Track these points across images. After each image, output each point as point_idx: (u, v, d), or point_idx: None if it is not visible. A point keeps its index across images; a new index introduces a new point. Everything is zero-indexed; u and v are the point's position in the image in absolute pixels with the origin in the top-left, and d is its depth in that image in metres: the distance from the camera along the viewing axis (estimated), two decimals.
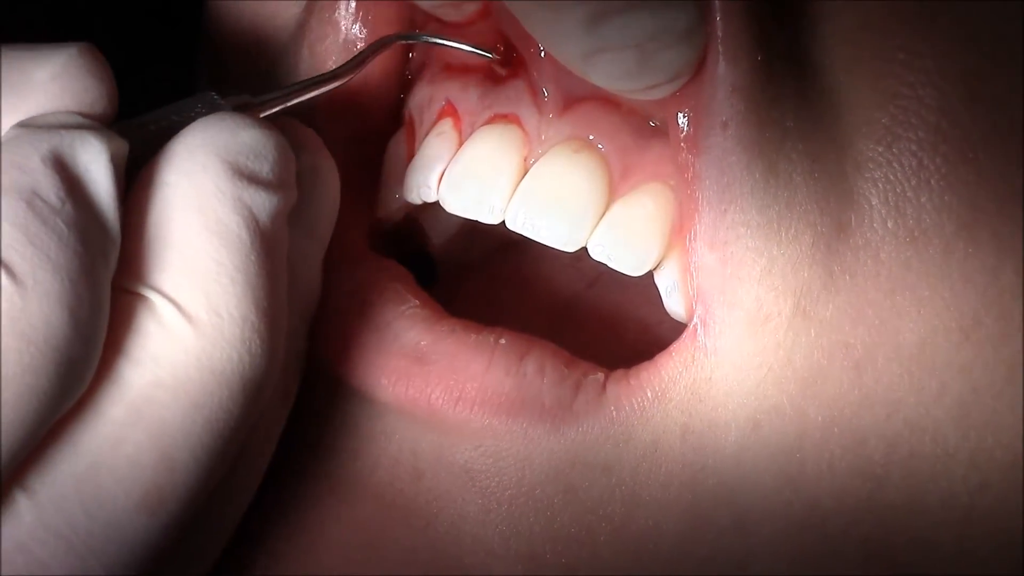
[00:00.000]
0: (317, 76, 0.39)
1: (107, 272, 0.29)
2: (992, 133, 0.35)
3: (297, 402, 0.39)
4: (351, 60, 0.40)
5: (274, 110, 0.36)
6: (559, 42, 0.33)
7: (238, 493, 0.35)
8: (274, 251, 0.32)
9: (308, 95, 0.38)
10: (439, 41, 0.41)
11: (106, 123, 0.31)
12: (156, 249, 0.30)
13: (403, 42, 0.42)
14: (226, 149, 0.31)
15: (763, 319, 0.35)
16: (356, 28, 0.41)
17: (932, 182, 0.35)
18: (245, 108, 0.35)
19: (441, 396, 0.36)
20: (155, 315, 0.30)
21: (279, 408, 0.36)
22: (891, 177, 0.35)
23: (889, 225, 0.35)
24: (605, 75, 0.33)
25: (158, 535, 0.30)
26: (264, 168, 0.32)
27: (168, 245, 0.30)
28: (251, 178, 0.32)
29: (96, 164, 0.29)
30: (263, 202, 0.31)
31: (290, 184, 0.33)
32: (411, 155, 0.42)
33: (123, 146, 0.31)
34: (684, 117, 0.35)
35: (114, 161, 0.30)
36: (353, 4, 0.41)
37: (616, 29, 0.31)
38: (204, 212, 0.31)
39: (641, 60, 0.32)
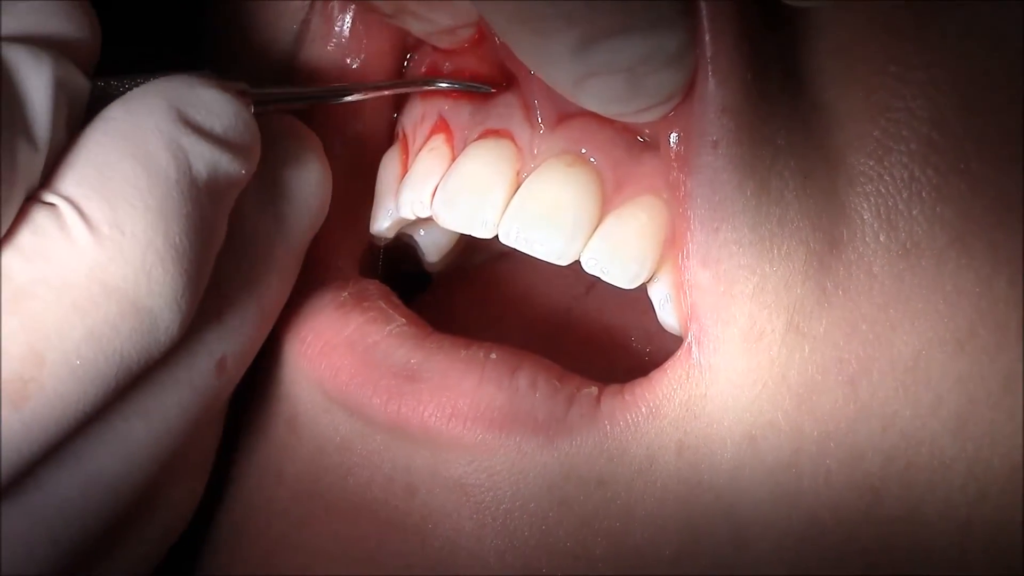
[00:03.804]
0: (319, 89, 0.40)
1: (16, 177, 0.30)
2: (986, 143, 0.35)
3: (289, 423, 0.39)
4: (355, 85, 0.41)
5: (267, 107, 0.37)
6: (549, 68, 0.32)
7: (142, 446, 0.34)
8: (206, 202, 0.32)
9: (303, 102, 0.39)
10: (438, 86, 0.41)
11: (83, 65, 0.33)
12: (80, 167, 0.31)
13: (397, 87, 0.43)
14: (178, 98, 0.33)
15: (757, 336, 0.35)
16: (350, 58, 0.42)
17: (924, 194, 0.35)
18: (240, 95, 0.35)
19: (434, 413, 0.36)
20: (58, 219, 0.30)
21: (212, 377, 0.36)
22: (883, 190, 0.34)
23: (881, 239, 0.35)
24: (596, 99, 0.33)
25: (20, 432, 0.30)
26: (215, 124, 0.33)
27: (91, 164, 0.31)
28: (196, 128, 0.32)
29: (37, 77, 0.30)
30: (203, 152, 0.32)
31: (246, 152, 0.34)
32: (404, 171, 0.42)
33: (80, 78, 0.32)
34: (675, 136, 0.35)
35: (61, 84, 0.31)
36: (348, 29, 0.41)
37: (606, 54, 0.31)
38: (135, 143, 0.31)
39: (632, 84, 0.32)
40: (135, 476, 0.33)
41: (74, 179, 0.31)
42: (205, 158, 0.32)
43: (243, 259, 0.36)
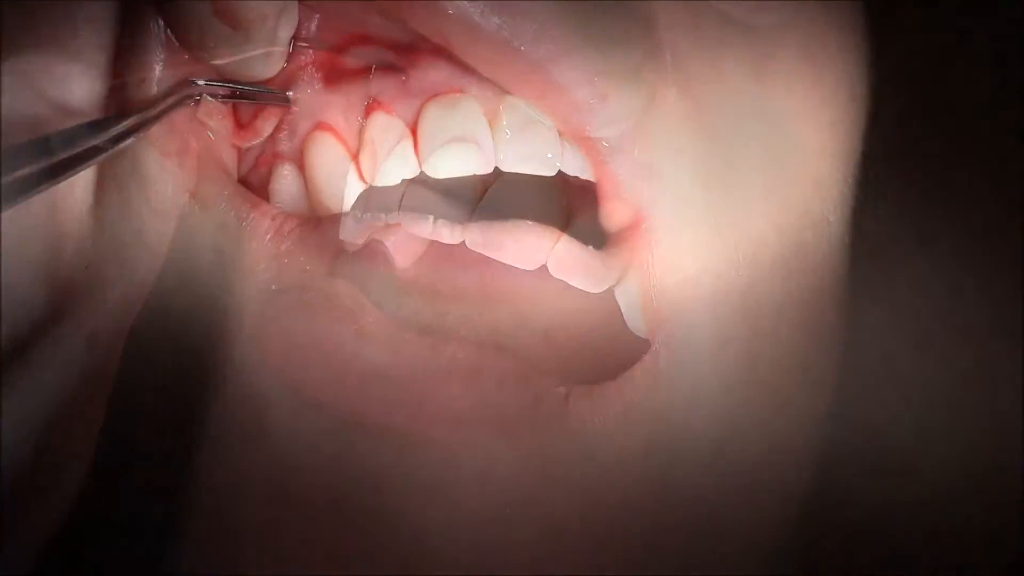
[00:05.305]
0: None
1: None
2: (952, 145, 0.35)
3: (257, 424, 0.39)
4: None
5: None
6: (511, 83, 0.32)
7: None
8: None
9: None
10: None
11: None
12: None
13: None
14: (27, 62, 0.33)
15: (723, 342, 0.35)
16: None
17: (889, 196, 0.35)
18: None
19: (400, 412, 0.36)
20: None
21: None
22: (847, 193, 0.35)
23: (847, 241, 0.35)
24: (556, 114, 0.33)
25: None
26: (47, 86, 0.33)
27: None
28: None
29: None
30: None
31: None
32: (373, 177, 0.42)
33: None
34: (638, 144, 0.35)
35: None
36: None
37: (565, 71, 0.31)
38: None
39: (592, 99, 0.32)
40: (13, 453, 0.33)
41: None
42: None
43: (113, 235, 0.36)
